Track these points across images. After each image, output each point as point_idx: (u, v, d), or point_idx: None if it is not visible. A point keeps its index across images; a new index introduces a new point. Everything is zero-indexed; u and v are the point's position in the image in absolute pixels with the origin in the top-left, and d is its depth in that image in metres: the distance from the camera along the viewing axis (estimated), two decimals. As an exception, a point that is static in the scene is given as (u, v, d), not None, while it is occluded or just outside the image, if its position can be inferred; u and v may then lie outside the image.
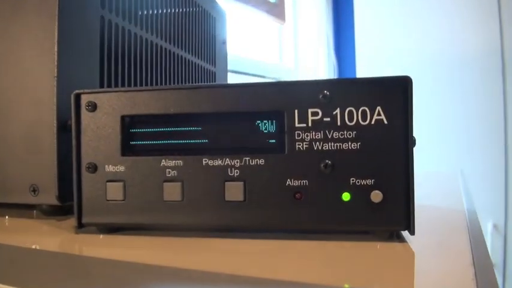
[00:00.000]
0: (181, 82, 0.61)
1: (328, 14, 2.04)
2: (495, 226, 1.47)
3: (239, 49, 1.51)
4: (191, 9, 0.65)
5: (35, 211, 0.43)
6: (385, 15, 1.72)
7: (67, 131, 0.36)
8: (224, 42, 0.79)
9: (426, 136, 1.51)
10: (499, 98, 1.48)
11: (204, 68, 0.69)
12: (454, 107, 1.56)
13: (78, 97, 0.35)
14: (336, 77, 1.98)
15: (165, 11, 0.57)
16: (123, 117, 0.34)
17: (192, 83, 0.65)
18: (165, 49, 0.57)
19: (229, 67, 0.84)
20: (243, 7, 1.50)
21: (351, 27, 1.85)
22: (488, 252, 0.30)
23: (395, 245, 0.31)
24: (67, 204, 0.38)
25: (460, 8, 1.54)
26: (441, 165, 1.55)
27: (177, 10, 0.60)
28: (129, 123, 0.34)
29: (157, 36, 0.55)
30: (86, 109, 0.34)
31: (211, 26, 0.73)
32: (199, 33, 0.68)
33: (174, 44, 0.59)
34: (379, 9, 1.74)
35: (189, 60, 0.64)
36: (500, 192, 1.47)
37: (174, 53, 0.59)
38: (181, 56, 0.62)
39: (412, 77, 0.30)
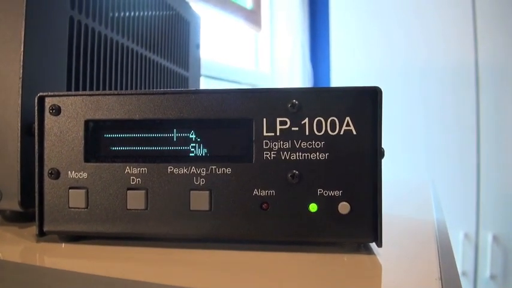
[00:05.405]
0: (153, 87, 0.60)
1: (304, 22, 2.05)
2: (466, 235, 1.49)
3: (214, 54, 1.50)
4: (165, 13, 0.64)
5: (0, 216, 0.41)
6: (361, 25, 1.73)
7: (32, 135, 0.35)
8: (198, 47, 0.79)
9: (398, 145, 1.53)
10: (471, 108, 1.50)
11: (176, 73, 0.69)
12: (426, 117, 1.57)
13: (41, 100, 0.34)
14: (311, 85, 1.98)
15: (137, 13, 0.56)
16: (86, 122, 0.33)
17: (164, 87, 0.64)
18: (137, 52, 0.56)
19: (203, 72, 0.83)
20: (220, 13, 1.49)
21: (327, 36, 1.85)
22: (455, 264, 0.29)
23: (362, 257, 0.30)
24: (31, 211, 0.37)
25: (435, 20, 1.56)
26: (412, 175, 1.56)
27: (150, 13, 0.59)
28: (93, 129, 0.33)
29: (128, 39, 0.54)
30: (50, 113, 0.33)
31: (185, 30, 0.72)
32: (172, 37, 0.67)
33: (146, 48, 0.59)
34: (355, 20, 1.75)
35: (161, 64, 0.63)
36: (471, 202, 1.49)
37: (146, 56, 0.58)
38: (153, 60, 0.61)
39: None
